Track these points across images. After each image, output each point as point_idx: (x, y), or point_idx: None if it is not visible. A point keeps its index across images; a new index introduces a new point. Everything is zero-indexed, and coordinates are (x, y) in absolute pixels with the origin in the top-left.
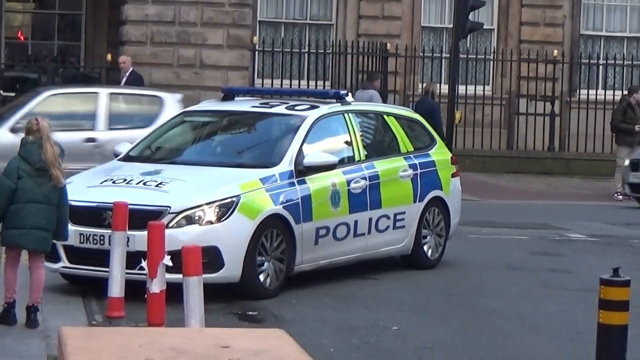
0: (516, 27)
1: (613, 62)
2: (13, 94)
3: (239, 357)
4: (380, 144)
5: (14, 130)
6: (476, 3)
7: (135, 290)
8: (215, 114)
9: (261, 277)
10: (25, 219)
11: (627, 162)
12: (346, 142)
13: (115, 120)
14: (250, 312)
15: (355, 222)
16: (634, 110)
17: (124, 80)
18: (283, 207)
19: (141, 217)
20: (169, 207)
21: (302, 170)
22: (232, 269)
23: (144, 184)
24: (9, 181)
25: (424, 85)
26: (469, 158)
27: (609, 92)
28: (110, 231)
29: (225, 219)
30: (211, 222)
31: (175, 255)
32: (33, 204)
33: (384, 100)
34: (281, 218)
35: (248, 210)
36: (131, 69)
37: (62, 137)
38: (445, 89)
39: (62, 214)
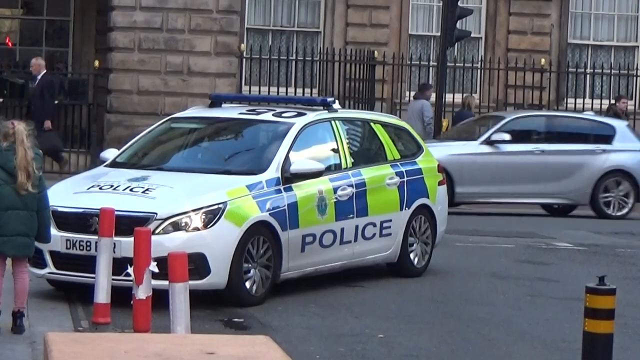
0: (504, 35)
1: (600, 71)
2: (0, 100)
3: None
4: (367, 151)
5: None
6: (464, 11)
7: (122, 297)
8: (202, 121)
9: (247, 284)
10: (5, 226)
11: None
12: (333, 150)
13: None
14: (236, 319)
15: (342, 230)
16: (620, 119)
17: (35, 83)
18: (269, 214)
19: (128, 223)
20: (156, 213)
21: (289, 178)
22: (218, 276)
23: (131, 190)
24: None
25: (463, 97)
26: None
27: (597, 101)
28: (96, 237)
29: (212, 225)
30: (198, 229)
31: (162, 261)
32: (12, 211)
33: (371, 108)
34: (268, 225)
35: (234, 217)
36: (43, 72)
37: None
38: (432, 97)
39: (43, 217)
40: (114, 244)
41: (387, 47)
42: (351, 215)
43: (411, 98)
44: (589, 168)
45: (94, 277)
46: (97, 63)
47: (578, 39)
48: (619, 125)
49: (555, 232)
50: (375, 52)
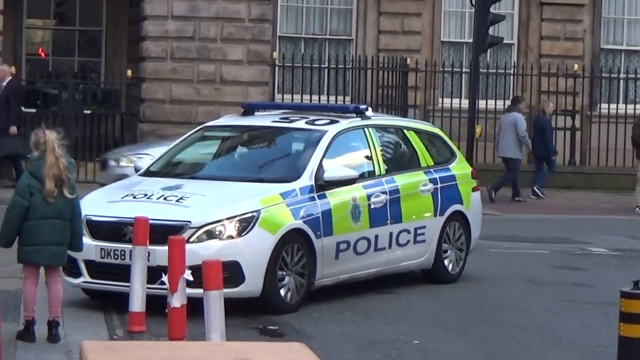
0: (536, 41)
1: (634, 76)
2: (34, 110)
3: None
4: (400, 158)
5: None
6: (496, 17)
7: (156, 305)
8: (235, 129)
9: (282, 292)
10: (38, 235)
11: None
12: (366, 157)
13: None
14: (271, 327)
15: (376, 237)
16: None
17: (1, 90)
18: (303, 221)
19: (162, 232)
20: (190, 222)
21: (323, 185)
22: (253, 284)
23: (165, 198)
24: (22, 200)
25: (539, 103)
26: (489, 172)
27: (630, 106)
28: (131, 246)
29: (246, 233)
30: (232, 237)
31: (196, 269)
32: (45, 220)
33: (404, 115)
34: (302, 232)
35: (268, 225)
36: (9, 78)
37: None
38: (465, 103)
39: (76, 226)
40: (149, 252)
41: (419, 54)
42: (386, 222)
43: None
44: None
45: (128, 286)
46: (129, 73)
47: (611, 44)
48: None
49: (590, 238)
50: (408, 59)
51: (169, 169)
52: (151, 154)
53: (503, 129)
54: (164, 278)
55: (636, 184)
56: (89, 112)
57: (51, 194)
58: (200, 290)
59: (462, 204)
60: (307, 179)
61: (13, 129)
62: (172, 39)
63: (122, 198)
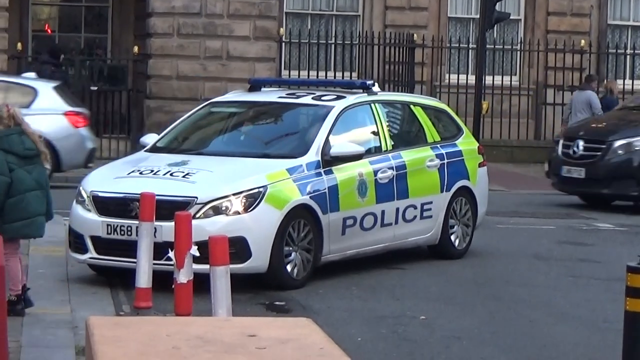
0: (543, 17)
1: None
2: None
3: (265, 345)
4: (407, 133)
5: None
6: None
7: (163, 281)
8: (242, 105)
9: (288, 268)
10: (27, 208)
11: None
12: (373, 132)
13: None
14: (277, 302)
15: (383, 212)
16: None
17: None
18: (310, 197)
19: (168, 208)
20: (196, 197)
21: (329, 161)
22: (259, 259)
23: (171, 174)
24: (3, 176)
25: (605, 82)
26: (496, 148)
27: (637, 82)
28: (137, 222)
29: (253, 209)
30: (238, 213)
31: (203, 245)
32: (30, 192)
33: (411, 90)
34: (308, 208)
35: (275, 201)
36: None
37: None
38: (472, 79)
39: (49, 195)
40: (155, 228)
41: (426, 30)
42: (393, 198)
43: (568, 89)
44: None
45: (135, 262)
46: (136, 49)
47: (618, 20)
48: (43, 87)
49: (596, 213)
50: (415, 35)
51: (175, 144)
52: None
53: (575, 106)
54: (171, 254)
55: None
56: (95, 88)
57: (49, 159)
58: (207, 266)
59: (468, 179)
60: (313, 154)
61: None
62: (178, 15)
63: (129, 174)
